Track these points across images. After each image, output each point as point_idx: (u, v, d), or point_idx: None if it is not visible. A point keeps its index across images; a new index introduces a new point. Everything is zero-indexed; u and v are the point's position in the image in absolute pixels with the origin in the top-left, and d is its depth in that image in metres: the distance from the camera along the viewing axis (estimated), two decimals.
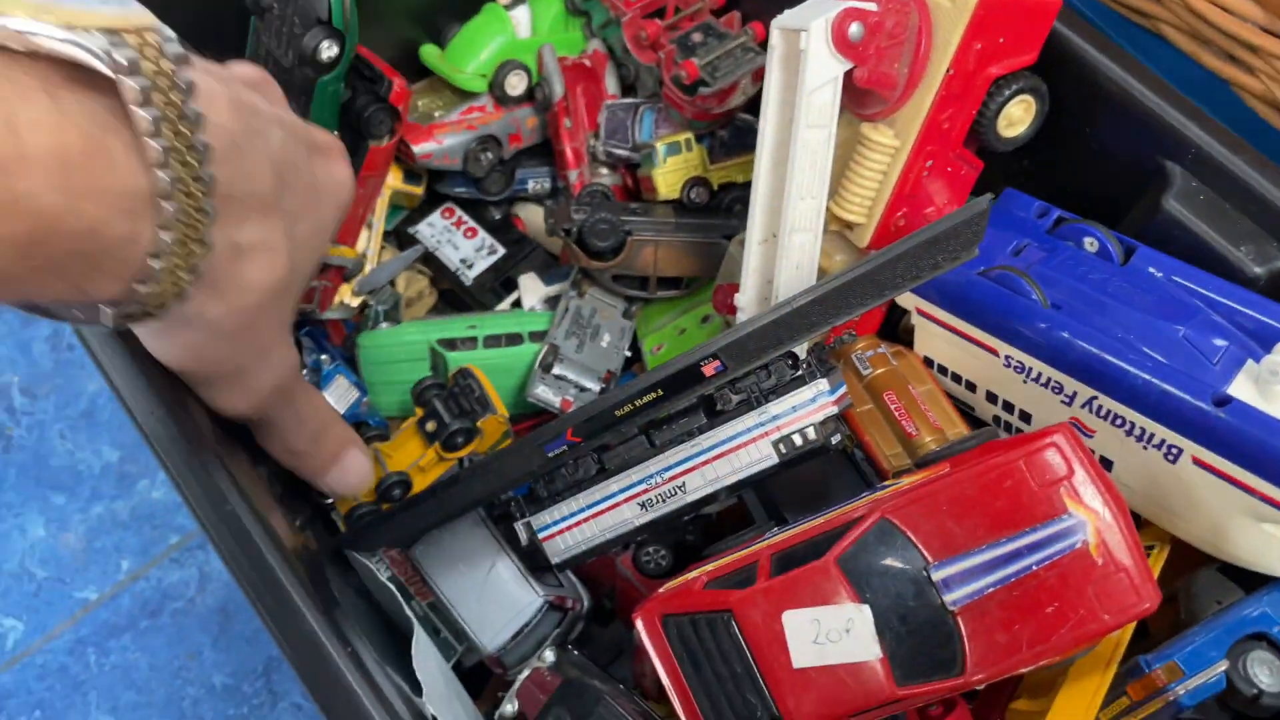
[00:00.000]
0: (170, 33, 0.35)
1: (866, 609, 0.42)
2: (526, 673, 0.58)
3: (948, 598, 0.43)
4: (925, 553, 0.43)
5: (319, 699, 0.41)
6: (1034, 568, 0.41)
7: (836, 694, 0.43)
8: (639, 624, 0.47)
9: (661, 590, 0.48)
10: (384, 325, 0.73)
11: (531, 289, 0.76)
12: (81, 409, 0.80)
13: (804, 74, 0.50)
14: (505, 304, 0.77)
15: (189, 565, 0.75)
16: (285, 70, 0.62)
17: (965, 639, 0.43)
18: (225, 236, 0.37)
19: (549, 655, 0.58)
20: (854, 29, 0.49)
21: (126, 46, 0.33)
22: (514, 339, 0.69)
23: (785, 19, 0.51)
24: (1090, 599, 0.41)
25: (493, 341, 0.69)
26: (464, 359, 0.68)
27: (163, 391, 0.48)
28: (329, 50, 0.61)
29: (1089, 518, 0.41)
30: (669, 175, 0.68)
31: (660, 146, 0.68)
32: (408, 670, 0.50)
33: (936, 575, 0.43)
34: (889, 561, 0.43)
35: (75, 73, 0.33)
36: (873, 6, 0.50)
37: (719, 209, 0.70)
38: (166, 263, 0.35)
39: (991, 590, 0.42)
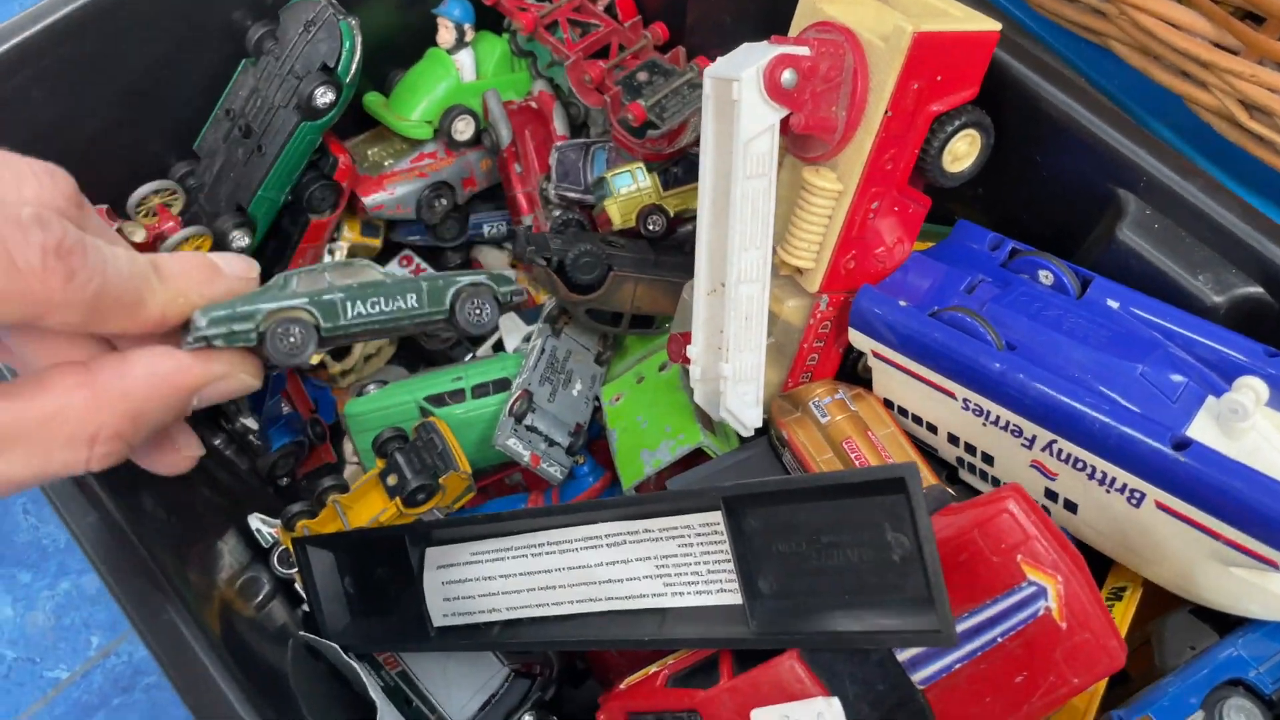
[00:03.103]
0: None
1: (836, 701, 0.41)
2: None
3: (915, 677, 0.42)
4: None
5: None
6: (999, 639, 0.40)
7: None
8: None
9: (622, 686, 0.47)
10: (370, 389, 0.71)
11: (513, 329, 0.74)
12: None
13: (739, 124, 0.48)
14: (486, 348, 0.76)
15: None
16: (268, 110, 0.63)
17: (938, 716, 0.42)
18: None
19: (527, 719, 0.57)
20: (787, 76, 0.48)
21: None
22: (502, 385, 0.67)
23: (717, 68, 0.50)
24: (1058, 663, 0.40)
25: (481, 390, 0.67)
26: (455, 415, 0.66)
27: (91, 489, 0.47)
28: (324, 96, 0.62)
29: (1049, 582, 0.40)
30: (623, 205, 0.67)
31: (611, 178, 0.67)
32: None
33: (903, 656, 0.42)
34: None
35: None
36: (805, 51, 0.49)
37: None
38: None
39: (959, 666, 0.41)
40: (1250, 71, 0.54)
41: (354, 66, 0.62)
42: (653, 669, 0.47)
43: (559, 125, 0.73)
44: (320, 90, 0.61)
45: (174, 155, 0.67)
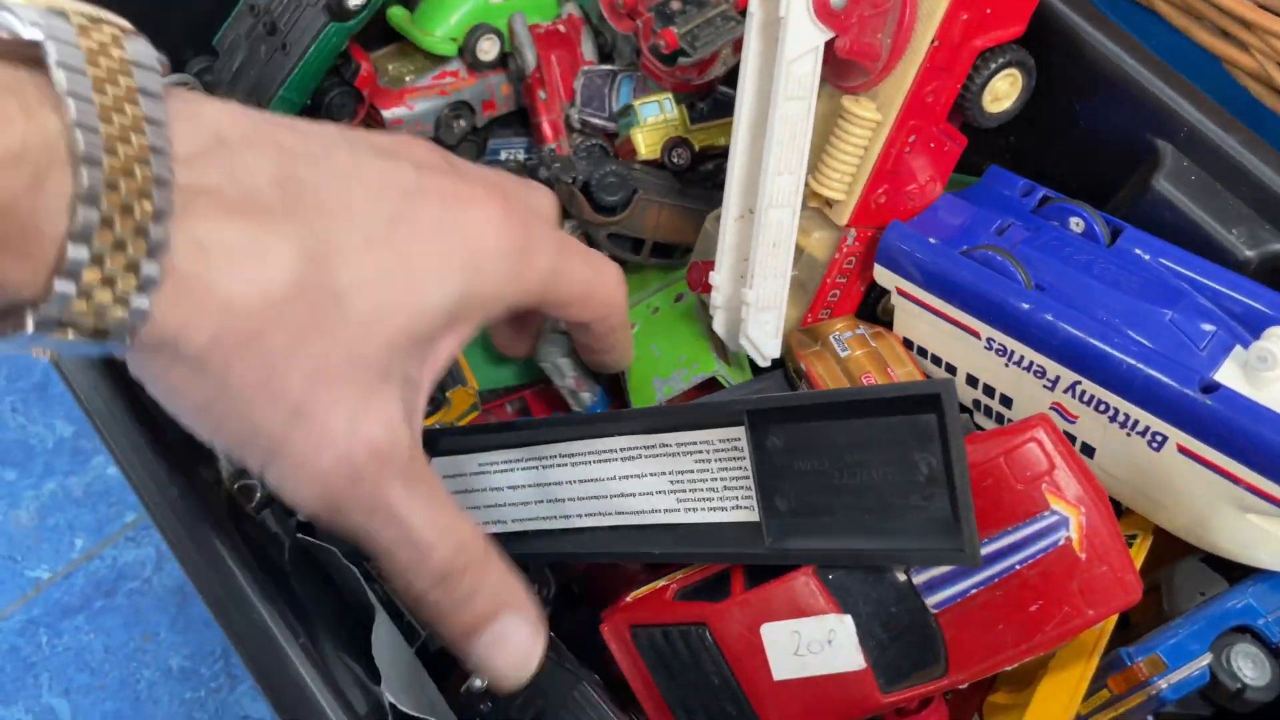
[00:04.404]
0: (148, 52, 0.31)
1: (848, 619, 0.41)
2: None
3: (929, 601, 0.42)
4: None
5: (270, 692, 0.39)
6: (1017, 567, 0.40)
7: (820, 705, 0.42)
8: (605, 634, 0.46)
9: (628, 599, 0.46)
10: None
11: None
12: (34, 382, 0.77)
13: (783, 43, 0.48)
14: None
15: (145, 544, 0.72)
16: (296, 8, 0.61)
17: (948, 640, 0.42)
18: (188, 234, 0.30)
19: None
20: None
21: (66, 23, 0.29)
22: None
23: None
24: (1074, 594, 0.40)
25: None
26: None
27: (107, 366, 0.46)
28: None
29: (1071, 513, 0.40)
30: (649, 134, 0.66)
31: (639, 106, 0.66)
32: (369, 656, 0.48)
33: (918, 579, 0.42)
34: (869, 568, 0.42)
35: None
36: None
37: (722, 183, 0.68)
38: (96, 250, 0.28)
39: (974, 591, 0.41)
40: None
41: None
42: (660, 583, 0.47)
43: (587, 50, 0.72)
44: None
45: (192, 49, 0.66)
